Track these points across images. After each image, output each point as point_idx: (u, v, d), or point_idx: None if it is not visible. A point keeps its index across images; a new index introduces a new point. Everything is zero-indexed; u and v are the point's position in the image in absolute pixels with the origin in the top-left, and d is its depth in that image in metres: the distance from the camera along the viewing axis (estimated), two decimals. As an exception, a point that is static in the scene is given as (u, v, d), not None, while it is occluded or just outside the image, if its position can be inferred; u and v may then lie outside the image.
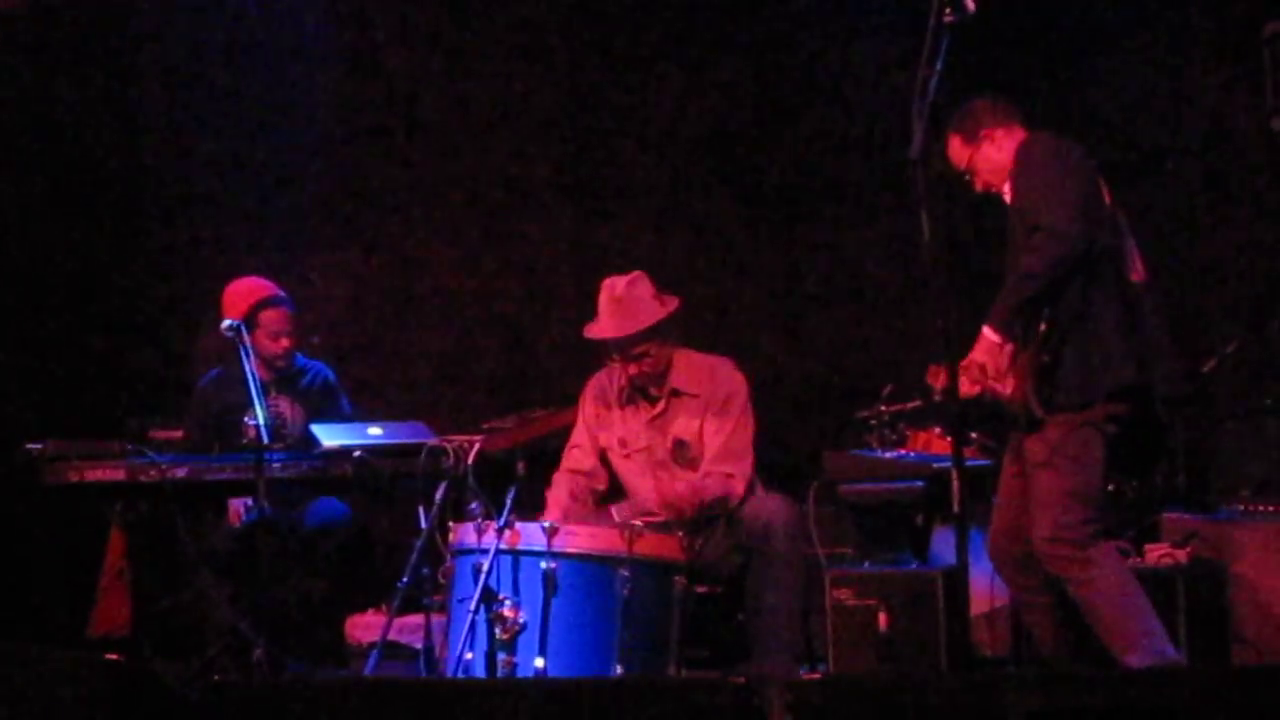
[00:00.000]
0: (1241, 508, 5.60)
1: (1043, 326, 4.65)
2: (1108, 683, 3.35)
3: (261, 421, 5.55)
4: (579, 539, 4.87)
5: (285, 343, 6.36)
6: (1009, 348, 4.68)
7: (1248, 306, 6.95)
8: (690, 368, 5.73)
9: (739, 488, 5.55)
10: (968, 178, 5.00)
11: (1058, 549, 4.71)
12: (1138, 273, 4.83)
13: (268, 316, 6.34)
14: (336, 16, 7.84)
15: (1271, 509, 5.54)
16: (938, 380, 4.77)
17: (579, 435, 5.84)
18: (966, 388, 4.67)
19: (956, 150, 4.94)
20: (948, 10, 4.02)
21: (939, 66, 3.97)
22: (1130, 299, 4.77)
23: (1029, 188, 4.74)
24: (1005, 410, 4.82)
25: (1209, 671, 4.06)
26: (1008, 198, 4.92)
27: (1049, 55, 7.72)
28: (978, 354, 4.67)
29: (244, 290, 6.37)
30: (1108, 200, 4.82)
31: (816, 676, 3.77)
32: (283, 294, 6.43)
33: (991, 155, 4.93)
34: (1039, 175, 4.74)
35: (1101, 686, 3.30)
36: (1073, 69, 7.59)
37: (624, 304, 5.59)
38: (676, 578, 4.94)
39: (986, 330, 4.67)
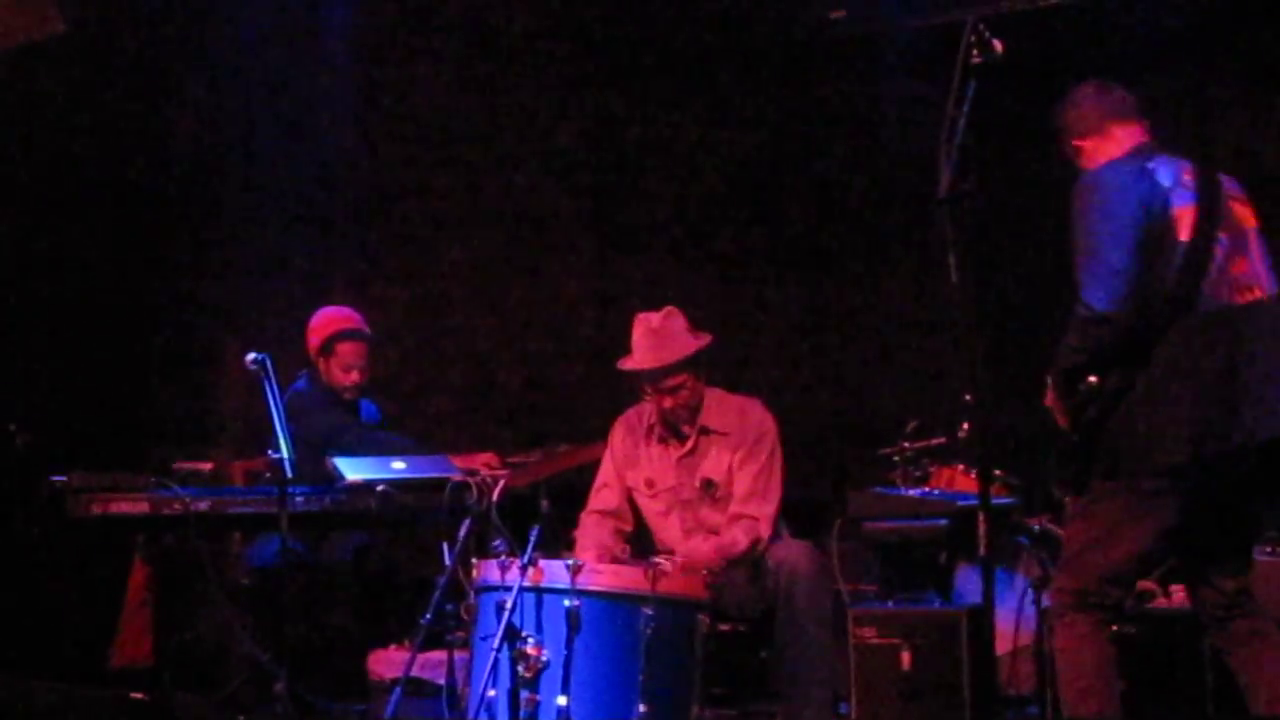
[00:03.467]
0: (1270, 549, 5.56)
1: (1078, 396, 4.41)
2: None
3: (285, 455, 5.54)
4: (603, 577, 4.84)
5: (355, 376, 6.47)
6: (1063, 404, 4.46)
7: None
8: (720, 406, 5.73)
9: (765, 531, 5.54)
10: None
11: (1054, 599, 4.62)
12: (1248, 293, 4.47)
13: (344, 348, 6.45)
14: (365, 51, 7.89)
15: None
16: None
17: (606, 474, 5.83)
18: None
19: (1062, 144, 4.74)
20: (975, 52, 4.00)
21: (966, 108, 3.95)
22: (1214, 335, 4.40)
23: (1075, 240, 4.47)
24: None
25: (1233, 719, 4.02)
26: None
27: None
28: (1047, 399, 4.52)
29: (324, 320, 6.52)
30: (1184, 232, 4.45)
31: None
32: (362, 328, 6.54)
33: (1083, 165, 4.66)
34: (1083, 235, 4.44)
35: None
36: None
37: (660, 335, 5.60)
38: (700, 616, 4.91)
39: (1049, 380, 4.50)
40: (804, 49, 8.12)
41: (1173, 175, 4.54)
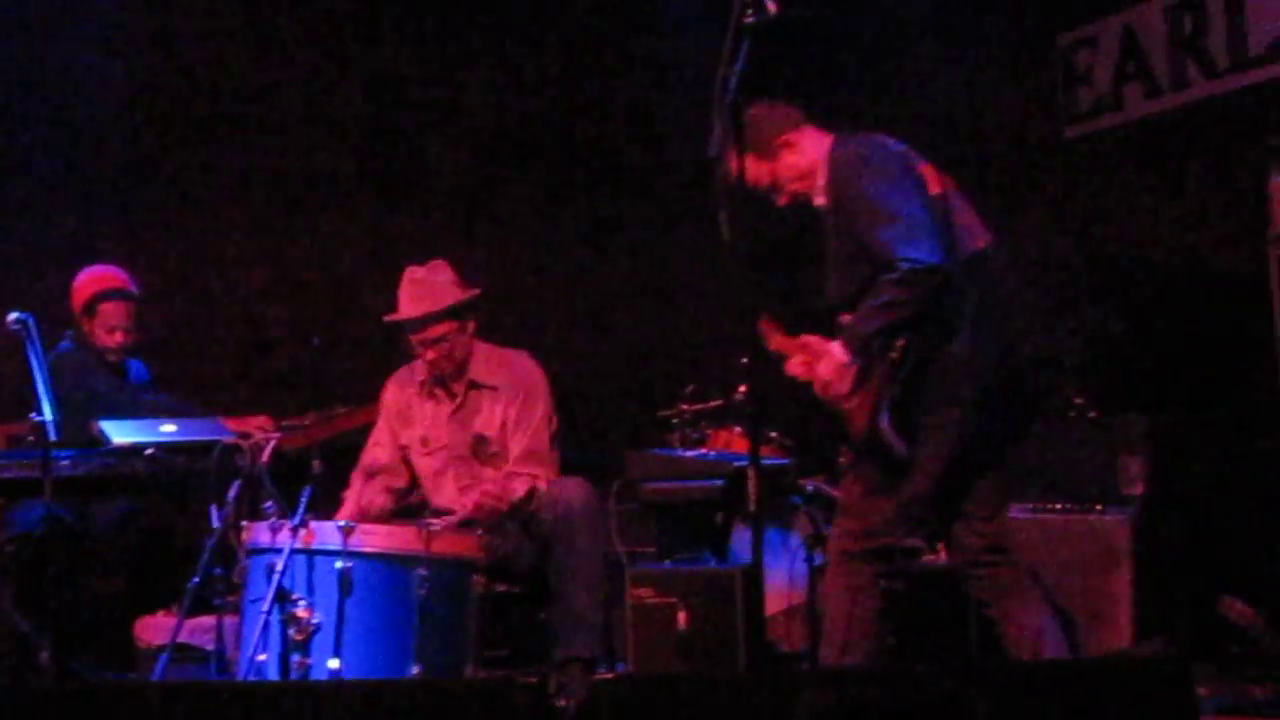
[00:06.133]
0: (1031, 505, 5.74)
1: (895, 354, 4.49)
2: (897, 679, 3.39)
3: (49, 418, 5.38)
4: (375, 538, 4.81)
5: (120, 337, 6.33)
6: (855, 367, 4.54)
7: (1042, 313, 7.12)
8: (488, 360, 5.76)
9: (544, 487, 5.56)
10: (772, 195, 4.78)
11: (835, 545, 4.75)
12: (979, 239, 4.65)
13: (107, 309, 6.31)
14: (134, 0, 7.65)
15: (1058, 507, 5.71)
16: (769, 339, 4.73)
17: (379, 433, 5.83)
18: (794, 369, 4.66)
19: (753, 168, 4.67)
20: (749, 11, 4.01)
21: (739, 66, 3.97)
22: (980, 274, 4.58)
23: (868, 213, 4.52)
24: (844, 426, 4.67)
25: (997, 667, 4.14)
26: (819, 201, 4.73)
27: (849, 62, 7.83)
28: (823, 370, 4.56)
29: (87, 280, 6.37)
30: (934, 185, 4.63)
31: (609, 676, 3.75)
32: (127, 287, 6.38)
33: (795, 163, 4.72)
34: (872, 200, 4.52)
35: (891, 683, 3.34)
36: (872, 76, 7.72)
37: (423, 286, 5.62)
38: (475, 576, 4.91)
39: (836, 348, 4.54)
40: (587, 11, 8.11)
41: (897, 142, 4.70)
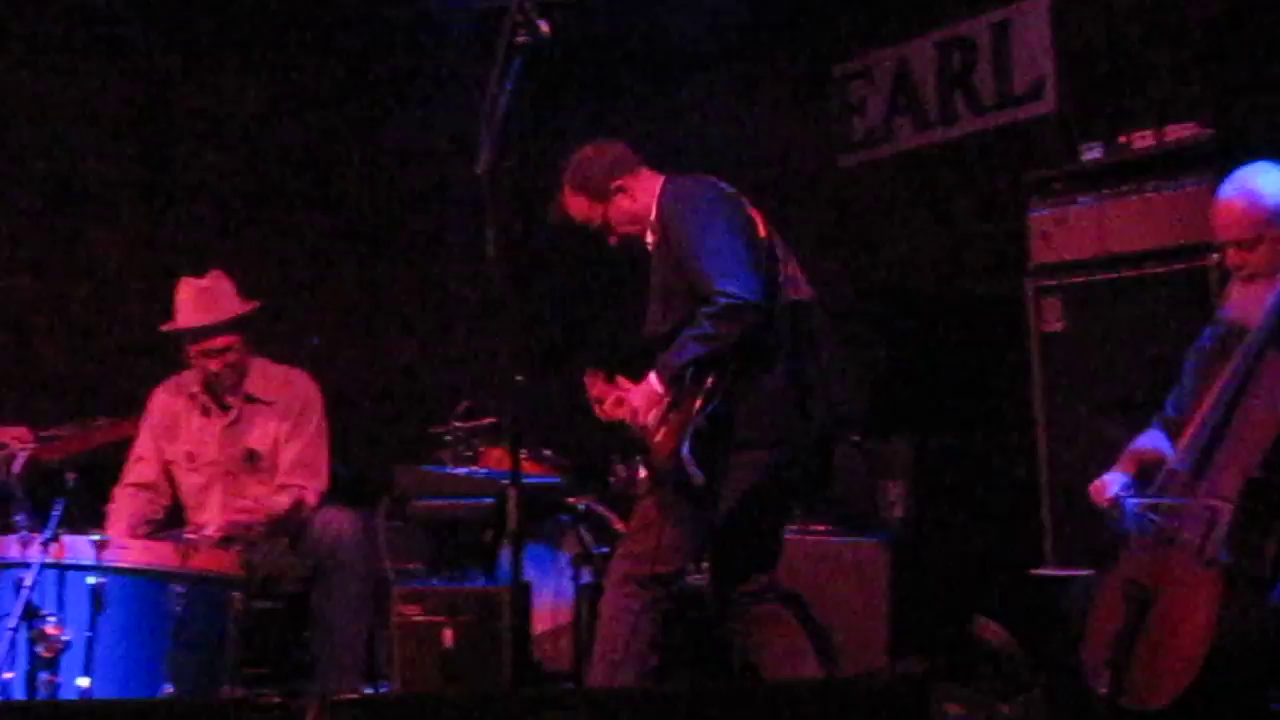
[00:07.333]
0: (795, 527, 5.84)
1: (707, 384, 4.52)
2: (651, 700, 3.42)
3: None
4: (131, 554, 4.68)
5: None
6: (667, 399, 4.57)
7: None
8: (265, 375, 5.68)
9: (312, 500, 5.51)
10: (603, 235, 4.81)
11: (618, 566, 4.73)
12: (801, 291, 4.73)
13: None
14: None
15: (820, 529, 5.81)
16: (593, 388, 4.75)
17: (143, 447, 5.68)
18: (610, 412, 4.68)
19: (584, 209, 4.78)
20: (521, 31, 4.03)
21: (509, 85, 3.98)
22: (799, 325, 4.66)
23: (692, 245, 4.56)
24: (648, 456, 4.69)
25: (743, 687, 4.20)
26: (649, 244, 4.77)
27: (625, 87, 7.90)
28: (637, 399, 4.59)
29: None
30: (762, 230, 4.69)
31: (353, 697, 3.72)
32: None
33: (629, 207, 4.74)
34: (697, 236, 4.56)
35: (645, 703, 3.36)
36: (649, 100, 7.79)
37: (207, 295, 5.52)
38: (234, 594, 4.82)
39: (652, 378, 4.56)
40: (364, 26, 8.05)
41: (729, 185, 4.75)
